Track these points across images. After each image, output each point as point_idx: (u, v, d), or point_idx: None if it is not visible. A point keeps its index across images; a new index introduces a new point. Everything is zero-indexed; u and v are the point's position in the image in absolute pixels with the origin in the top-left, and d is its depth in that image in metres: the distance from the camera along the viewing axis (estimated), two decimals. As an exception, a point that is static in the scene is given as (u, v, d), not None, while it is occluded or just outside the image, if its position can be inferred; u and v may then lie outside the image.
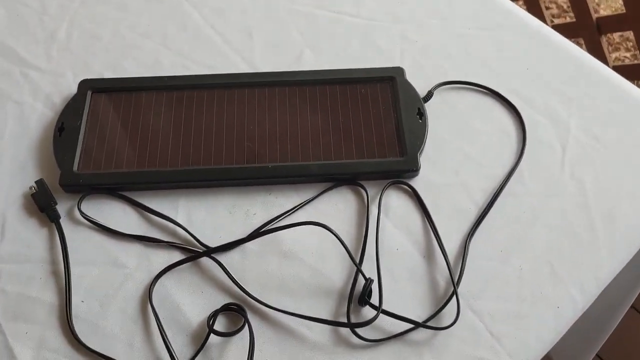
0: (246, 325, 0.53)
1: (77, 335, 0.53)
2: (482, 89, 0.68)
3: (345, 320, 0.53)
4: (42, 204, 0.59)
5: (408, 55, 0.71)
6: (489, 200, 0.60)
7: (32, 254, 0.57)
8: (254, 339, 0.52)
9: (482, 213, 0.59)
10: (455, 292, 0.54)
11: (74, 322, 0.54)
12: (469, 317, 0.54)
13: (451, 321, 0.53)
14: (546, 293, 0.55)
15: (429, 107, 0.65)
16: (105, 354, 0.52)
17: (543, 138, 0.64)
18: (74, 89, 0.67)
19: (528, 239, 0.58)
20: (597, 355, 0.92)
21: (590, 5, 1.34)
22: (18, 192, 0.61)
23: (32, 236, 0.58)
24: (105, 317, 0.54)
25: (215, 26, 0.74)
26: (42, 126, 0.65)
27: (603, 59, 1.36)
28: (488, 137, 0.64)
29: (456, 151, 0.63)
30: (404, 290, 0.55)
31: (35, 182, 0.60)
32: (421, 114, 0.64)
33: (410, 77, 0.67)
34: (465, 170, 0.62)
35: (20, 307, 0.55)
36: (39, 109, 0.67)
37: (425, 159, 0.62)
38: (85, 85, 0.66)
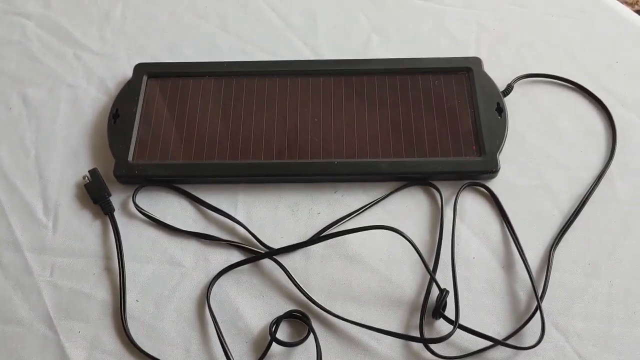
0: (311, 335, 0.49)
1: (132, 337, 0.50)
2: (566, 83, 0.62)
3: (417, 333, 0.49)
4: (95, 196, 0.56)
5: (484, 44, 0.65)
6: (575, 207, 0.55)
7: (85, 248, 0.55)
8: (321, 350, 0.48)
9: (567, 221, 0.54)
10: (539, 308, 0.49)
11: (128, 322, 0.51)
12: (553, 336, 0.49)
13: (534, 340, 0.48)
14: (640, 312, 0.50)
15: (508, 101, 0.60)
16: (161, 359, 0.49)
17: (636, 139, 0.58)
18: (128, 73, 0.63)
19: (619, 252, 0.53)
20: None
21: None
22: (71, 182, 0.58)
23: (85, 229, 0.56)
24: (160, 318, 0.51)
25: (276, 9, 0.69)
26: (96, 111, 0.62)
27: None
28: (574, 137, 0.59)
29: (538, 151, 0.58)
30: (481, 304, 0.51)
31: (89, 171, 0.57)
32: (501, 109, 0.58)
33: (487, 68, 0.61)
34: (548, 173, 0.57)
35: (73, 304, 0.52)
36: (93, 93, 0.64)
37: (505, 159, 0.56)
38: (141, 69, 0.63)
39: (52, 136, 0.61)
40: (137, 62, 0.63)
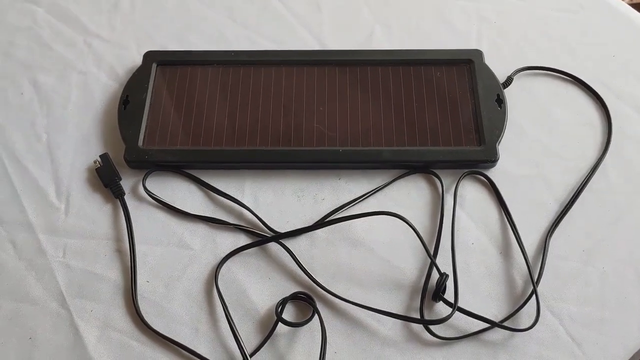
0: (316, 316, 0.51)
1: (142, 316, 0.52)
2: (565, 76, 0.64)
3: (417, 315, 0.51)
4: (106, 180, 0.58)
5: (485, 37, 0.67)
6: (570, 196, 0.57)
7: (97, 230, 0.56)
8: (325, 330, 0.50)
9: (563, 209, 0.56)
10: (535, 292, 0.51)
11: (139, 302, 0.53)
12: (548, 319, 0.51)
13: (529, 322, 0.50)
14: (631, 298, 0.52)
15: (507, 93, 0.62)
16: (171, 337, 0.51)
17: (630, 132, 0.60)
18: (137, 61, 0.65)
19: (612, 240, 0.55)
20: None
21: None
22: (82, 166, 0.60)
23: (96, 212, 0.57)
24: (170, 299, 0.53)
25: (282, -1, 0.71)
26: (106, 98, 0.64)
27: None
28: (570, 128, 0.61)
29: (536, 142, 0.60)
30: (479, 287, 0.53)
31: (100, 156, 0.59)
32: (500, 100, 0.60)
33: (488, 60, 0.63)
34: (545, 163, 0.59)
35: (85, 284, 0.54)
36: (103, 79, 0.65)
37: (503, 149, 0.58)
38: (151, 57, 0.64)
39: (63, 121, 0.62)
40: (145, 51, 0.65)
